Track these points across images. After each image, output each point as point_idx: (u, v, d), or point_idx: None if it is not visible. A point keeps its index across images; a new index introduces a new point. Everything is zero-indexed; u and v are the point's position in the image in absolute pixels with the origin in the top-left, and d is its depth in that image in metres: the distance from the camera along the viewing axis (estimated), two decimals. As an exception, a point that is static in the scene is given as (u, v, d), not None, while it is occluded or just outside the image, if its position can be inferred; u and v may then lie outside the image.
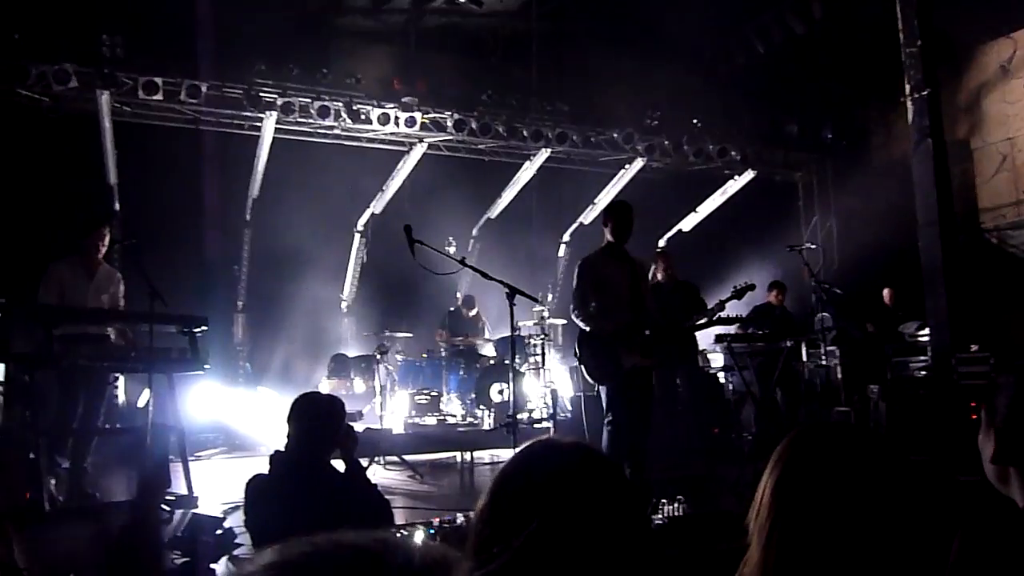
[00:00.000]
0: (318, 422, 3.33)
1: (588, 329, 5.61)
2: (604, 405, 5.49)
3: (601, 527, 1.06)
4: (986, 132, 11.88)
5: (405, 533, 4.30)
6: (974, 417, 6.62)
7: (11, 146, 9.07)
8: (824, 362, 9.28)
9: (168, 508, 5.44)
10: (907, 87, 8.22)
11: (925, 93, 8.06)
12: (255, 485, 3.36)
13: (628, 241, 5.78)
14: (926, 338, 8.79)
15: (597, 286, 5.62)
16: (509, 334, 5.47)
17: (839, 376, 9.55)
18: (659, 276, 8.36)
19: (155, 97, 9.70)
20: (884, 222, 10.98)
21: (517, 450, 1.20)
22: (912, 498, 1.23)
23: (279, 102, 10.16)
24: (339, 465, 3.45)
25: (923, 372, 8.62)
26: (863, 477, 1.23)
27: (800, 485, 1.25)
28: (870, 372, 9.14)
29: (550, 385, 9.77)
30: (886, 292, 10.64)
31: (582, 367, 5.73)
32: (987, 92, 11.85)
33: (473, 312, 10.48)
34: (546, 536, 1.04)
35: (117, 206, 9.66)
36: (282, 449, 3.36)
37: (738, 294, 7.87)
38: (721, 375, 9.97)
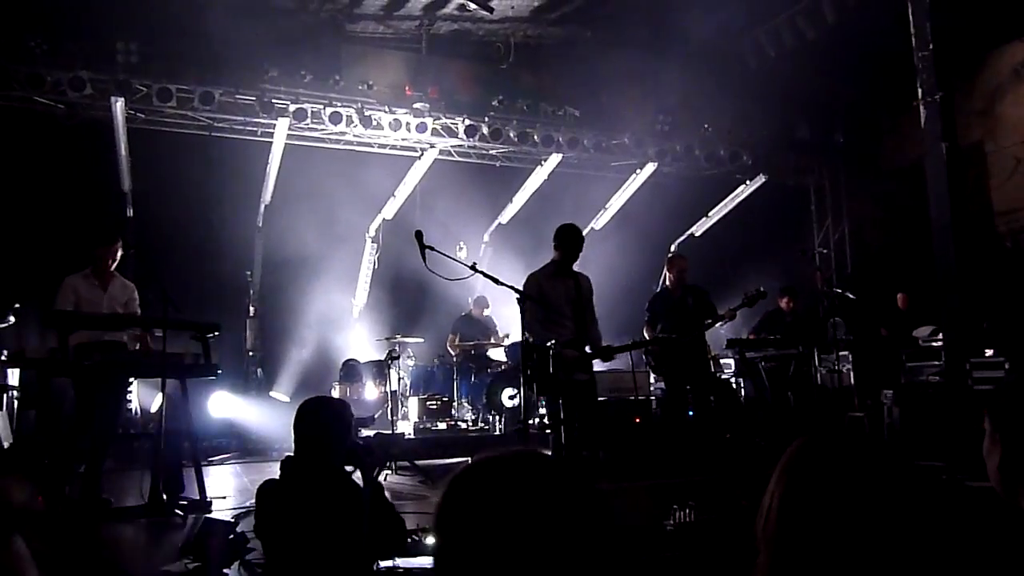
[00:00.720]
0: (325, 427, 3.33)
1: (532, 340, 5.81)
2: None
3: (558, 537, 1.05)
4: (1000, 136, 11.80)
5: (417, 538, 4.30)
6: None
7: (26, 153, 9.17)
8: (837, 367, 9.24)
9: (181, 513, 5.48)
10: (920, 91, 8.18)
11: (938, 97, 8.02)
12: (266, 490, 3.37)
13: (575, 261, 6.26)
14: (940, 343, 8.73)
15: (541, 300, 5.89)
16: (520, 340, 5.47)
17: (852, 381, 9.51)
18: (668, 281, 8.34)
19: (169, 104, 9.77)
20: (897, 226, 10.94)
21: (454, 475, 1.16)
22: (920, 507, 1.22)
23: (291, 108, 10.21)
24: (354, 473, 3.45)
25: (937, 377, 8.56)
26: (870, 487, 1.21)
27: (807, 496, 1.23)
28: (883, 377, 9.09)
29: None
30: (899, 297, 10.59)
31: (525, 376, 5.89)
32: (1000, 96, 11.78)
33: (486, 312, 10.49)
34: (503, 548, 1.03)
35: (131, 212, 9.73)
36: (292, 454, 3.37)
37: (749, 301, 7.86)
38: (733, 380, 9.95)
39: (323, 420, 3.34)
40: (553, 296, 6.00)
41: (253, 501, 6.02)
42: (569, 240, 6.21)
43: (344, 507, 3.16)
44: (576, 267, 6.49)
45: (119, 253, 6.38)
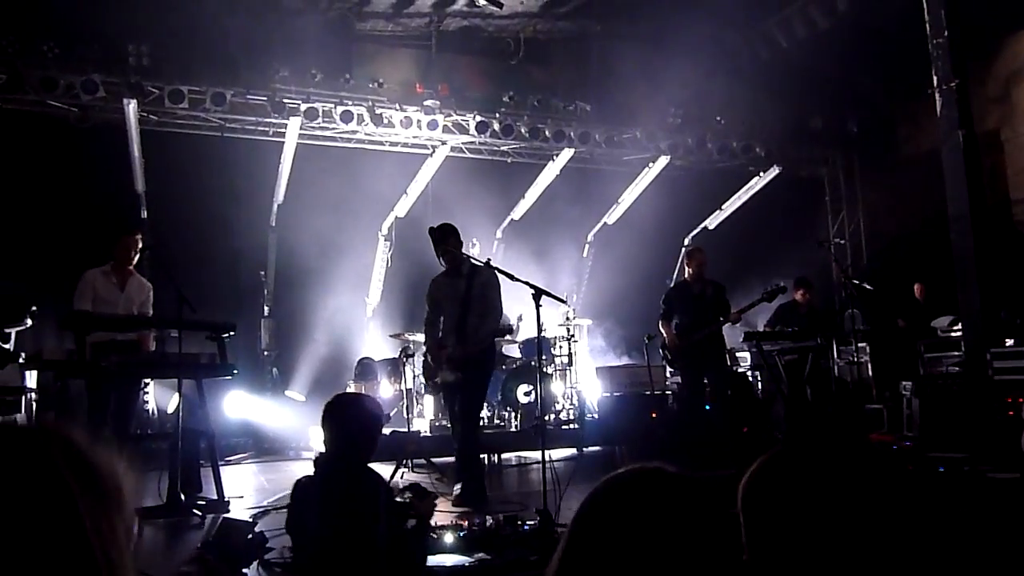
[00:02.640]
0: (353, 424, 3.32)
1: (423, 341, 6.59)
2: None
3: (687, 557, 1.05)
4: (1017, 123, 11.68)
5: (436, 536, 4.29)
6: (1011, 414, 6.51)
7: (41, 157, 9.22)
8: (855, 359, 9.17)
9: (199, 512, 5.49)
10: (935, 79, 8.08)
11: (954, 84, 7.93)
12: (300, 487, 3.38)
13: (454, 262, 6.10)
14: (959, 333, 8.65)
15: (432, 304, 6.30)
16: (535, 335, 5.45)
17: (870, 373, 9.44)
18: (686, 275, 8.30)
19: (181, 105, 9.80)
20: (913, 216, 10.85)
21: (609, 477, 1.18)
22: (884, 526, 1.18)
23: (303, 108, 10.22)
24: (376, 468, 3.45)
25: (956, 368, 8.48)
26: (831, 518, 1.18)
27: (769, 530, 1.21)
28: (902, 369, 9.02)
29: (576, 386, 9.74)
30: (917, 287, 10.51)
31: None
32: (1017, 82, 11.65)
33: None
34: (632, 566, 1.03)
35: (145, 214, 9.76)
36: (324, 452, 3.37)
37: (769, 296, 7.81)
38: (750, 374, 9.89)
39: (355, 417, 3.32)
40: (440, 296, 6.23)
41: (271, 500, 6.05)
42: (434, 243, 6.16)
43: (369, 505, 3.16)
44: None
45: (138, 245, 6.41)
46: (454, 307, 6.08)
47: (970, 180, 7.83)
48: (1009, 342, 7.48)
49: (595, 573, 1.05)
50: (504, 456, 8.20)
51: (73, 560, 0.87)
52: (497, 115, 11.29)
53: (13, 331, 6.88)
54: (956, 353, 8.68)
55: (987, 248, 7.84)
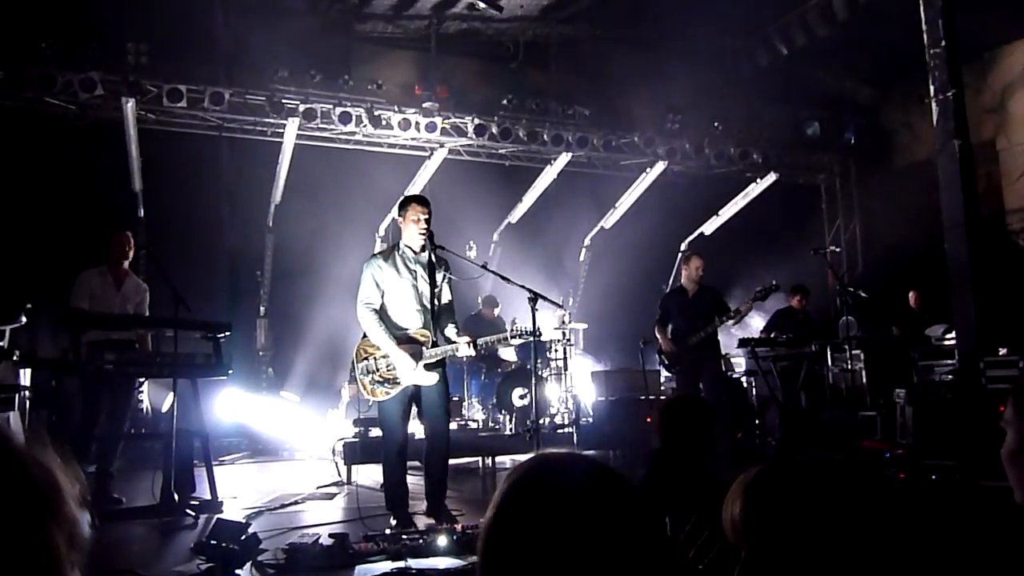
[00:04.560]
0: (695, 425, 3.38)
1: None
2: None
3: (614, 544, 1.04)
4: (1012, 132, 11.73)
5: (428, 539, 4.30)
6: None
7: (38, 154, 9.21)
8: (849, 366, 9.19)
9: (193, 513, 5.49)
10: (931, 88, 8.12)
11: (950, 94, 7.96)
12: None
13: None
14: (953, 342, 8.68)
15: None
16: (531, 339, 5.44)
17: (864, 380, 9.46)
18: (683, 280, 8.31)
19: (179, 104, 9.79)
20: (909, 224, 10.87)
21: (521, 462, 1.18)
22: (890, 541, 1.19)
23: (301, 108, 10.22)
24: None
25: (950, 376, 8.51)
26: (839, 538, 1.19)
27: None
28: (896, 376, 9.04)
29: (572, 390, 9.74)
30: (912, 295, 10.53)
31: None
32: (1012, 92, 11.71)
33: (496, 312, 10.46)
34: (558, 552, 1.02)
35: (142, 213, 9.75)
36: (660, 448, 3.45)
37: (763, 295, 7.83)
38: (744, 379, 9.91)
39: (692, 419, 3.41)
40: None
41: (265, 501, 6.04)
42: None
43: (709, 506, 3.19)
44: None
45: (132, 244, 6.42)
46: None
47: (965, 189, 7.87)
48: (1003, 351, 7.50)
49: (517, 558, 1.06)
50: (498, 459, 8.19)
51: None
52: (495, 118, 11.32)
53: (8, 329, 6.86)
54: (950, 361, 8.70)
55: (982, 257, 7.87)
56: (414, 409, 5.34)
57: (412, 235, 5.30)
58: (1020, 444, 1.64)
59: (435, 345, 5.27)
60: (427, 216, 5.27)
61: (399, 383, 5.17)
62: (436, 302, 5.34)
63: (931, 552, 1.20)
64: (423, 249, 5.32)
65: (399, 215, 5.43)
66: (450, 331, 5.39)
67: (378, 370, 5.21)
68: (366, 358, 5.25)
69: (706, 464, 3.38)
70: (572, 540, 1.03)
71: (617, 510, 1.07)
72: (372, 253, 5.81)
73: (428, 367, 5.21)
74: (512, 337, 5.42)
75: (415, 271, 5.32)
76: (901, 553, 1.17)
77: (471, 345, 5.24)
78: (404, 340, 5.21)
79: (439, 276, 5.37)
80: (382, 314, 5.27)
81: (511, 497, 1.10)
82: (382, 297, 5.28)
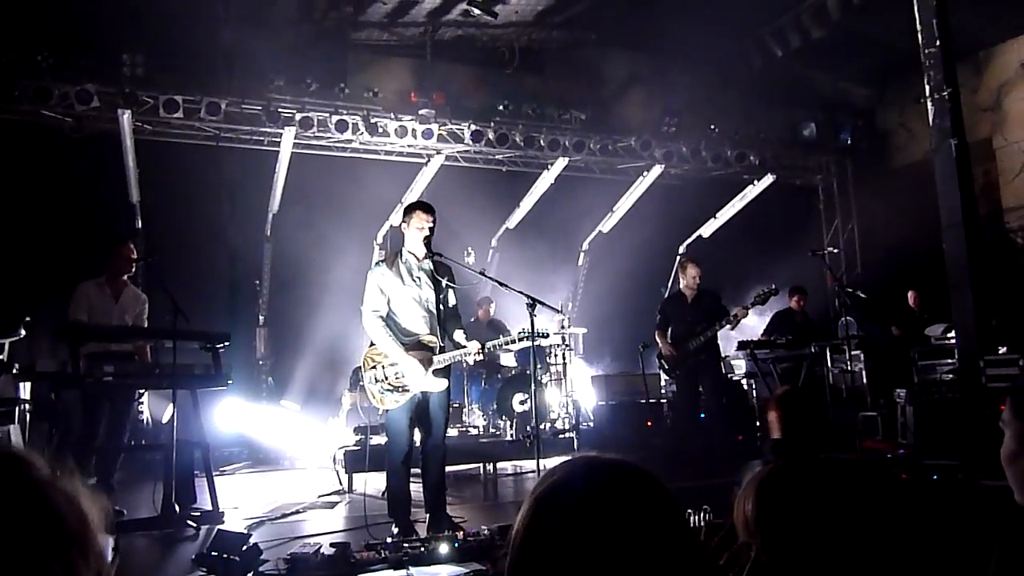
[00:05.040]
0: (813, 413, 3.51)
1: None
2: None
3: (648, 545, 1.05)
4: (1008, 131, 11.75)
5: (430, 547, 4.29)
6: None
7: (35, 167, 9.21)
8: (849, 367, 9.19)
9: (193, 524, 5.48)
10: (927, 87, 8.12)
11: (946, 93, 7.96)
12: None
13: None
14: (952, 341, 8.67)
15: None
16: (530, 344, 5.44)
17: (865, 381, 9.45)
18: (681, 284, 8.31)
19: (175, 115, 9.79)
20: (907, 224, 10.87)
21: (555, 467, 1.18)
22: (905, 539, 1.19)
23: (297, 117, 10.23)
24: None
25: (950, 375, 8.50)
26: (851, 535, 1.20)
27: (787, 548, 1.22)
28: (896, 376, 9.03)
29: (572, 395, 9.74)
30: (911, 295, 10.53)
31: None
32: (1008, 91, 11.72)
33: (492, 310, 10.44)
34: (591, 554, 1.02)
35: (139, 224, 9.76)
36: (780, 438, 3.54)
37: (761, 299, 7.83)
38: (745, 382, 9.91)
39: (809, 407, 3.54)
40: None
41: (266, 511, 6.03)
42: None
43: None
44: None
45: (133, 255, 6.42)
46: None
47: (962, 189, 7.86)
48: (1002, 350, 7.50)
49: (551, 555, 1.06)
50: (500, 465, 8.18)
51: None
52: (492, 124, 11.33)
53: (7, 342, 6.85)
54: (950, 361, 8.69)
55: (980, 256, 7.86)
56: None
57: (416, 242, 5.29)
58: (1018, 445, 1.64)
59: (443, 351, 5.26)
60: (431, 223, 5.27)
61: (408, 391, 5.14)
62: (442, 307, 5.32)
63: (936, 551, 1.20)
64: (427, 256, 5.31)
65: (403, 221, 5.42)
66: (459, 336, 5.39)
67: (387, 378, 5.17)
68: (374, 366, 5.23)
69: (825, 449, 3.47)
70: (607, 542, 1.03)
71: (652, 512, 1.08)
72: (374, 261, 5.81)
73: (436, 373, 5.19)
74: (520, 339, 5.41)
75: (419, 278, 5.31)
76: (910, 552, 1.17)
77: (480, 350, 5.22)
78: (413, 346, 5.19)
79: (443, 281, 5.36)
80: (389, 321, 5.24)
81: (546, 499, 1.10)
82: (388, 304, 5.26)
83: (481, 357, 5.36)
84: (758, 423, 9.52)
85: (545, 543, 1.06)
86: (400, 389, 5.15)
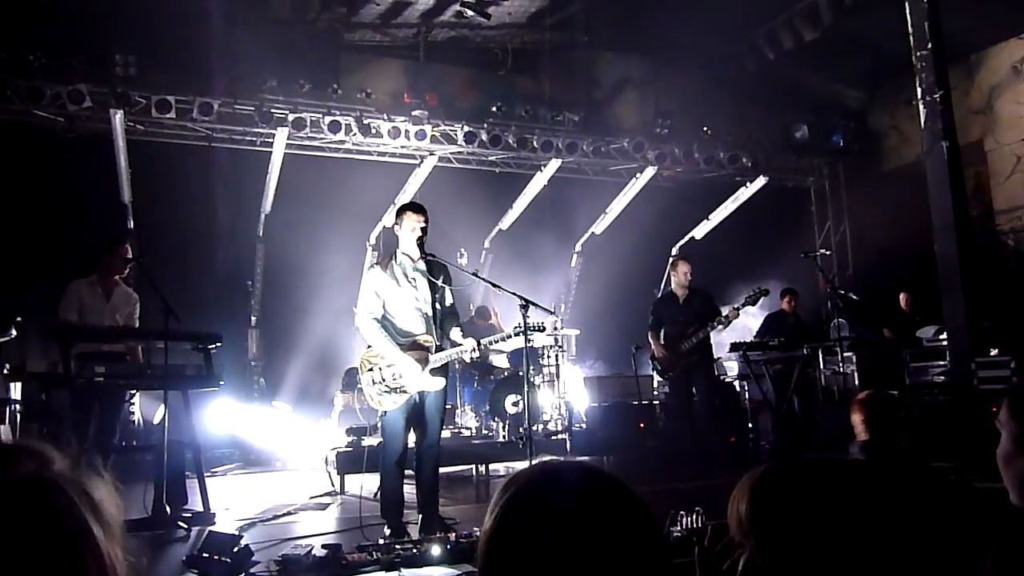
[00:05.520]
0: (892, 414, 3.62)
1: None
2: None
3: (615, 549, 1.04)
4: (999, 133, 11.80)
5: (422, 548, 4.28)
6: (996, 423, 6.53)
7: (27, 167, 9.17)
8: (841, 369, 9.21)
9: (185, 525, 5.45)
10: (919, 90, 8.16)
11: (937, 96, 8.00)
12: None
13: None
14: (945, 343, 8.71)
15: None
16: (523, 345, 5.44)
17: (857, 383, 9.47)
18: (672, 285, 8.32)
19: (168, 115, 9.77)
20: (899, 226, 10.91)
21: (520, 471, 1.18)
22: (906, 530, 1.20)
23: (290, 118, 10.21)
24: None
25: (942, 377, 8.53)
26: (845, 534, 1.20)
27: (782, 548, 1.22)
28: (888, 378, 9.05)
29: (564, 396, 9.74)
30: (903, 297, 10.56)
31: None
32: (999, 93, 11.78)
33: (488, 322, 10.45)
34: (561, 559, 1.02)
35: (131, 224, 9.72)
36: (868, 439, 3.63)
37: (752, 300, 7.85)
38: (737, 383, 9.92)
39: (892, 408, 3.66)
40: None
41: (258, 512, 6.01)
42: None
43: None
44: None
45: (127, 256, 6.40)
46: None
47: (954, 191, 7.89)
48: (994, 352, 7.53)
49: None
50: (492, 467, 8.18)
51: None
52: (485, 125, 11.32)
53: (-2, 343, 6.83)
54: (942, 363, 8.72)
55: (971, 258, 7.89)
56: None
57: (409, 243, 5.29)
58: (1014, 446, 1.64)
59: (440, 350, 5.26)
60: (424, 224, 5.27)
61: (406, 392, 5.13)
62: (438, 307, 5.32)
63: (931, 552, 1.21)
64: (421, 256, 5.31)
65: (395, 223, 5.42)
66: (455, 334, 5.39)
67: (384, 380, 5.15)
68: (371, 369, 5.21)
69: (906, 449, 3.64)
70: (572, 547, 1.02)
71: (618, 517, 1.07)
72: (368, 263, 5.80)
73: (434, 372, 5.19)
74: (516, 335, 5.41)
75: (414, 279, 5.30)
76: (906, 552, 1.18)
77: (475, 347, 5.22)
78: (410, 347, 5.18)
79: (439, 281, 5.36)
80: (385, 323, 5.23)
81: (512, 506, 1.09)
82: (383, 306, 5.25)
83: (477, 355, 5.35)
84: (750, 424, 9.56)
85: (511, 550, 1.06)
86: (397, 390, 5.13)
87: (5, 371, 6.85)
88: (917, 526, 1.22)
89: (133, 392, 6.68)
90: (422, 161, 11.18)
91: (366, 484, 6.26)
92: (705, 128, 12.53)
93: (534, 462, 1.19)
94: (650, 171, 12.08)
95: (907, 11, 8.23)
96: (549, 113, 11.82)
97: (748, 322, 9.75)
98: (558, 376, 9.69)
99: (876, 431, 3.63)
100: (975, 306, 7.77)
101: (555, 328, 10.04)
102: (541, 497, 1.09)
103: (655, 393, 9.73)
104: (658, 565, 1.07)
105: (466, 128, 11.17)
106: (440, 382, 5.22)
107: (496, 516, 1.09)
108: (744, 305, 7.84)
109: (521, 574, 1.04)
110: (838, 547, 1.17)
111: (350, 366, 10.06)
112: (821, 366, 9.13)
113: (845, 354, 9.21)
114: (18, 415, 7.34)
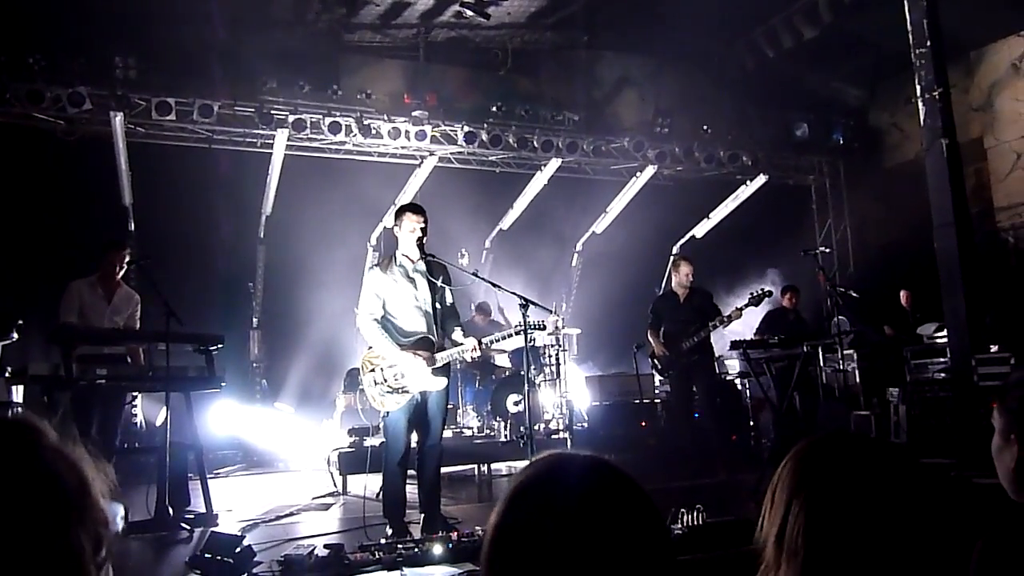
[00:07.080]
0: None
1: None
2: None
3: (621, 543, 1.05)
4: (999, 131, 11.80)
5: (424, 548, 4.29)
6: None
7: (27, 170, 9.19)
8: (842, 366, 9.22)
9: (187, 527, 5.47)
10: (918, 88, 8.16)
11: (936, 93, 8.00)
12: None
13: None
14: (944, 340, 8.71)
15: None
16: (524, 345, 5.45)
17: (858, 380, 9.48)
18: (673, 284, 8.32)
19: (168, 117, 9.78)
20: (899, 224, 10.92)
21: (530, 463, 1.19)
22: (935, 508, 1.21)
23: (290, 119, 10.22)
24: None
25: (943, 374, 8.54)
26: (893, 492, 1.20)
27: (833, 509, 1.22)
28: (889, 375, 9.07)
29: (566, 395, 9.74)
30: (903, 294, 10.56)
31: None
32: (999, 91, 11.78)
33: (489, 319, 10.45)
34: (567, 552, 1.03)
35: (132, 226, 9.74)
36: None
37: (755, 301, 7.85)
38: (738, 381, 9.92)
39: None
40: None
41: (260, 513, 6.02)
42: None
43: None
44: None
45: (126, 259, 6.41)
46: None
47: (954, 188, 7.90)
48: (994, 348, 7.54)
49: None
50: (494, 466, 8.19)
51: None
52: (485, 125, 11.33)
53: (0, 345, 6.84)
54: (942, 360, 8.73)
55: (972, 255, 7.90)
56: None
57: (409, 244, 5.30)
58: (1002, 439, 1.65)
59: (442, 349, 5.27)
60: (423, 224, 5.28)
61: (408, 392, 5.14)
62: (439, 307, 5.33)
63: (933, 549, 1.22)
64: (421, 257, 5.32)
65: (395, 224, 5.43)
66: (457, 335, 5.40)
67: (386, 380, 5.16)
68: (372, 369, 5.22)
69: None
70: (578, 540, 1.03)
71: (623, 511, 1.08)
72: (368, 264, 5.80)
73: (436, 371, 5.20)
74: (516, 333, 5.42)
75: (415, 279, 5.32)
76: (930, 534, 1.19)
77: (477, 346, 5.24)
78: (411, 347, 5.19)
79: (439, 281, 5.37)
80: (387, 323, 5.24)
81: (518, 497, 1.10)
82: (384, 307, 5.26)
83: (478, 353, 5.37)
84: (751, 422, 9.56)
85: (517, 542, 1.06)
86: (399, 391, 5.14)
87: (7, 374, 6.87)
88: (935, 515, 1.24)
89: (135, 394, 6.69)
90: (422, 161, 11.19)
91: (368, 484, 6.30)
92: (705, 127, 12.54)
93: (544, 454, 1.19)
94: (650, 170, 12.09)
95: (906, 9, 8.23)
96: (549, 113, 11.82)
97: (748, 318, 9.76)
98: (559, 375, 9.69)
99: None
100: (975, 303, 7.78)
101: (556, 327, 10.06)
102: (547, 489, 1.10)
103: (656, 392, 9.74)
104: (662, 559, 1.08)
105: (466, 128, 11.18)
106: (442, 382, 5.23)
107: (503, 506, 1.10)
108: (747, 306, 7.84)
109: (525, 565, 1.04)
110: (880, 518, 1.18)
111: (352, 367, 10.07)
112: (822, 364, 9.15)
113: (846, 351, 9.23)
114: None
